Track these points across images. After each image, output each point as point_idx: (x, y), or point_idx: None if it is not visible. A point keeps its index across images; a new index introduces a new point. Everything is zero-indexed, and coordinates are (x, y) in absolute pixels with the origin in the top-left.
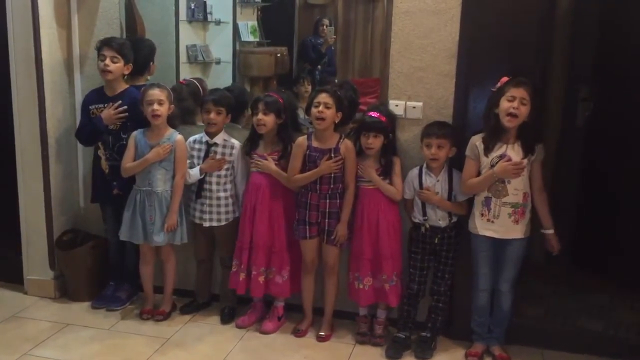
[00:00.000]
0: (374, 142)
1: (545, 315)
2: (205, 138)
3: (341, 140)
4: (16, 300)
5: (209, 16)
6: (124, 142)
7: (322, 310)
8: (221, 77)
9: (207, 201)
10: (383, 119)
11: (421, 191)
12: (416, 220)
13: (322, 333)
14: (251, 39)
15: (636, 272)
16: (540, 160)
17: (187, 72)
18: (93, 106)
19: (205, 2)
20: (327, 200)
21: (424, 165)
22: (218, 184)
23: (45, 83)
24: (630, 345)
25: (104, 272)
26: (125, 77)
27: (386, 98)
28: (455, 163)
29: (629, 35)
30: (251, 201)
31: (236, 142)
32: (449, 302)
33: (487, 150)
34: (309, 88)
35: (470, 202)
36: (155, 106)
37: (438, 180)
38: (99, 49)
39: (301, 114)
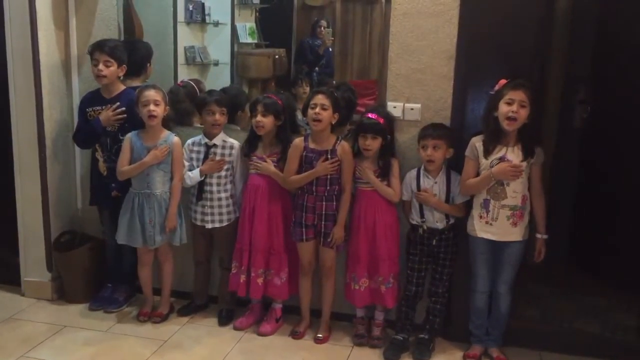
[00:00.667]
0: (372, 144)
1: (542, 317)
2: (204, 140)
3: (338, 142)
4: (13, 302)
5: (207, 18)
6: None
7: (319, 312)
8: (219, 79)
9: (208, 203)
10: (381, 120)
11: (419, 193)
12: (414, 222)
13: (320, 335)
14: (249, 40)
15: (633, 274)
16: (540, 163)
17: (185, 74)
18: (90, 108)
19: (203, 4)
20: (324, 203)
21: (422, 167)
22: (219, 185)
23: (42, 85)
24: (627, 347)
25: (101, 273)
26: (122, 78)
27: (384, 100)
28: (454, 165)
29: (626, 37)
30: (250, 203)
31: (235, 142)
32: (447, 304)
33: (487, 152)
34: (307, 89)
35: (467, 204)
36: (152, 107)
37: (436, 182)
38: (91, 54)
39: (299, 115)
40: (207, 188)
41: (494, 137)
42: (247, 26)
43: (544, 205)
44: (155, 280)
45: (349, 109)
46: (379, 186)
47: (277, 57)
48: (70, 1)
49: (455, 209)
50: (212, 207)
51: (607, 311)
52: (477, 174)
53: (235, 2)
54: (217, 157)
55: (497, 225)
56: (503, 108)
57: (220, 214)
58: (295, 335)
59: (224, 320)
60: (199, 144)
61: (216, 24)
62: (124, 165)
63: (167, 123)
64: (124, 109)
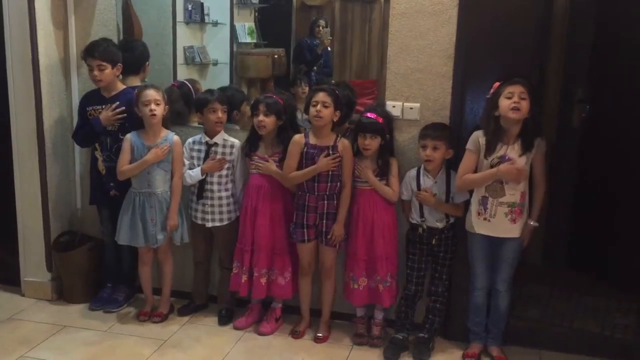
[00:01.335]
0: (371, 143)
1: (542, 316)
2: (205, 139)
3: (338, 139)
4: (13, 302)
5: (206, 17)
6: (122, 144)
7: (319, 311)
8: (218, 79)
9: (209, 202)
10: (380, 120)
11: (419, 192)
12: (414, 222)
13: (320, 334)
14: (248, 40)
15: (633, 274)
16: (542, 153)
17: (184, 74)
18: (90, 107)
19: (202, 4)
20: (325, 202)
21: (422, 166)
22: (219, 184)
23: (42, 84)
24: (627, 346)
25: (101, 273)
26: (121, 77)
27: (383, 99)
28: (454, 165)
29: (624, 36)
30: (252, 203)
31: (236, 141)
32: (446, 303)
33: (488, 152)
34: (306, 89)
35: (467, 204)
36: (153, 106)
37: (436, 182)
38: (84, 59)
39: (299, 115)
40: (208, 187)
41: (495, 137)
42: (246, 26)
43: (543, 195)
44: (155, 280)
45: (348, 107)
46: (377, 186)
47: (276, 56)
48: (69, 1)
49: (454, 208)
50: (212, 205)
51: (606, 311)
52: (476, 169)
53: (234, 2)
54: (218, 156)
55: (495, 222)
56: (504, 103)
57: (221, 212)
58: (295, 334)
59: (223, 320)
60: (200, 143)
61: (215, 23)
62: (124, 166)
63: (165, 122)
64: (123, 108)
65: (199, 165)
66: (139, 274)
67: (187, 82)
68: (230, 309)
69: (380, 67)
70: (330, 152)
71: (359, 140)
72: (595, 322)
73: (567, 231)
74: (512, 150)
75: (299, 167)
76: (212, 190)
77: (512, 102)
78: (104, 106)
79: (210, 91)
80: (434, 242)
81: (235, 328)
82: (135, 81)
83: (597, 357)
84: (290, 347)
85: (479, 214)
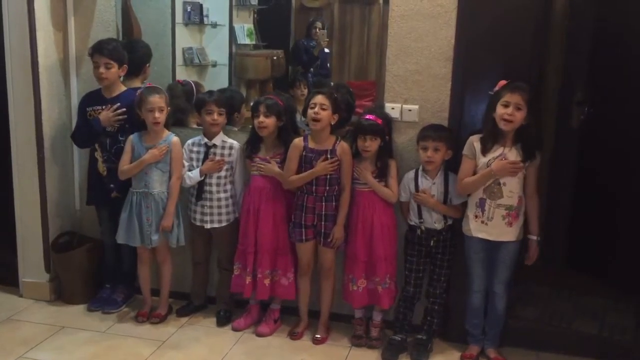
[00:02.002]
0: (370, 145)
1: (540, 317)
2: (204, 140)
3: (338, 142)
4: (11, 303)
5: (205, 19)
6: (122, 145)
7: (318, 313)
8: (217, 80)
9: (208, 203)
10: (379, 121)
11: (417, 194)
12: (412, 223)
13: (318, 336)
14: (247, 41)
15: (631, 275)
16: (535, 166)
17: (183, 75)
18: (90, 108)
19: (201, 5)
20: (323, 203)
21: (420, 167)
22: (218, 185)
23: (41, 85)
24: (625, 347)
25: (99, 274)
26: (122, 78)
27: (382, 101)
28: (452, 166)
29: (624, 38)
30: (254, 204)
31: (235, 143)
32: (444, 304)
33: (484, 150)
34: (305, 91)
35: (465, 205)
36: (157, 114)
37: (434, 183)
38: (91, 56)
39: (298, 117)
40: (207, 188)
41: (492, 137)
42: (245, 27)
43: (538, 206)
44: (153, 281)
45: (347, 111)
46: (376, 187)
47: (275, 58)
48: (69, 2)
49: (453, 210)
50: (211, 207)
51: (604, 312)
52: (474, 173)
53: (234, 4)
54: (217, 158)
55: (492, 225)
56: (499, 110)
57: (220, 214)
58: (294, 335)
59: (222, 321)
60: (199, 144)
61: (214, 25)
62: (124, 165)
63: (167, 121)
64: (124, 109)
65: (198, 167)
66: (137, 273)
67: (191, 82)
68: (229, 310)
69: (379, 68)
70: (329, 155)
71: (358, 141)
72: (594, 323)
73: (566, 231)
74: (509, 153)
75: (299, 170)
76: (210, 192)
77: (505, 112)
78: (104, 107)
79: (210, 92)
80: (432, 244)
81: (234, 329)
82: (135, 82)
83: (595, 359)
84: (288, 348)
85: (476, 216)
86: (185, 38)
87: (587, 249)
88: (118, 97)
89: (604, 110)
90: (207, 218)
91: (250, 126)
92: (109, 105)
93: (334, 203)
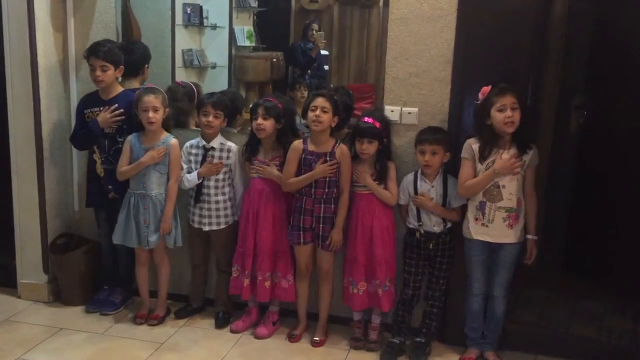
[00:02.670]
0: (368, 148)
1: (538, 321)
2: (202, 142)
3: (337, 145)
4: (9, 304)
5: (205, 21)
6: (120, 146)
7: (316, 315)
8: (217, 82)
9: (206, 205)
10: (377, 124)
11: (416, 197)
12: (411, 226)
13: (317, 338)
14: (247, 43)
15: (629, 279)
16: (534, 166)
17: (182, 77)
18: (88, 110)
19: (201, 7)
20: (322, 205)
21: (419, 170)
22: (216, 187)
23: (40, 86)
24: (623, 351)
25: (97, 276)
26: (120, 79)
27: (381, 103)
28: (451, 168)
29: (622, 42)
30: (253, 206)
31: (233, 146)
32: (443, 307)
33: (483, 157)
34: (305, 93)
35: (463, 209)
36: (150, 114)
37: (433, 186)
38: (87, 59)
39: (297, 119)
40: (205, 191)
41: (490, 144)
42: (244, 29)
43: (536, 206)
44: (152, 282)
45: (346, 113)
46: (376, 189)
47: (274, 60)
48: (69, 3)
49: (452, 213)
50: (209, 209)
51: (602, 315)
52: (475, 175)
53: (233, 6)
54: (215, 160)
55: (492, 227)
56: (497, 116)
57: (218, 216)
58: (292, 338)
59: (220, 323)
60: (197, 147)
61: (214, 27)
62: (123, 166)
63: (167, 122)
64: (122, 110)
65: (196, 169)
66: (135, 274)
67: (190, 83)
68: (227, 312)
69: (378, 71)
70: (328, 158)
71: (357, 144)
72: (592, 327)
73: (564, 235)
74: (507, 154)
75: (298, 173)
76: (208, 194)
77: (505, 116)
78: (101, 108)
79: (210, 94)
80: (431, 247)
81: (232, 331)
82: (134, 83)
83: None
84: (287, 351)
85: (476, 219)
86: (184, 40)
87: (585, 253)
88: (115, 98)
89: (602, 114)
90: (205, 220)
91: (250, 128)
92: (107, 107)
93: (332, 205)
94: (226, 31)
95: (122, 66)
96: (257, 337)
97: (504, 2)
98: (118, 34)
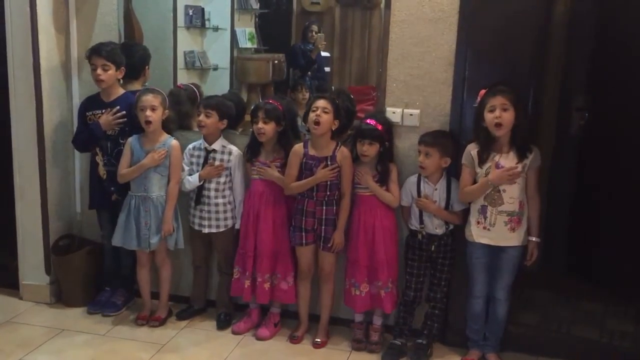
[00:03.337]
0: (369, 150)
1: (539, 322)
2: (204, 144)
3: (337, 148)
4: (11, 306)
5: (206, 22)
6: (122, 148)
7: (318, 316)
8: (218, 84)
9: (206, 207)
10: (379, 127)
11: (419, 199)
12: (413, 228)
13: (318, 339)
14: (249, 45)
15: (630, 281)
16: (536, 167)
17: (184, 78)
18: (90, 112)
19: (203, 9)
20: (323, 207)
21: None
22: (217, 190)
23: (43, 88)
24: (624, 353)
25: (99, 277)
26: (121, 81)
27: (383, 105)
28: (454, 172)
29: (624, 44)
30: (254, 208)
31: (234, 149)
32: (445, 309)
33: (481, 162)
34: (306, 95)
35: (466, 212)
36: (148, 112)
37: (436, 189)
38: (88, 58)
39: (298, 121)
40: (206, 193)
41: (487, 146)
42: (246, 31)
43: (539, 208)
44: (153, 284)
45: (348, 117)
46: (378, 191)
47: (276, 62)
48: (71, 5)
49: (454, 216)
50: (209, 212)
51: (604, 317)
52: (474, 181)
53: (235, 7)
54: (216, 162)
55: (494, 231)
56: (488, 117)
57: (218, 219)
58: (294, 339)
59: (222, 325)
60: (199, 149)
61: (216, 28)
62: (123, 169)
63: (168, 125)
64: (123, 112)
65: (198, 171)
66: (137, 276)
67: (191, 85)
68: (229, 314)
69: (379, 73)
70: (329, 162)
71: (357, 146)
72: (593, 328)
73: (566, 237)
74: (505, 159)
75: (299, 176)
76: (209, 197)
77: (494, 116)
78: (103, 110)
79: (211, 96)
80: (433, 249)
81: (234, 332)
82: (135, 85)
83: None
84: (288, 352)
85: (478, 222)
86: (186, 41)
87: (587, 255)
88: (117, 100)
89: (603, 116)
90: (206, 223)
91: (251, 130)
92: (109, 109)
93: (334, 207)
94: (228, 33)
95: (123, 67)
96: (259, 338)
97: (506, 3)
98: (120, 36)
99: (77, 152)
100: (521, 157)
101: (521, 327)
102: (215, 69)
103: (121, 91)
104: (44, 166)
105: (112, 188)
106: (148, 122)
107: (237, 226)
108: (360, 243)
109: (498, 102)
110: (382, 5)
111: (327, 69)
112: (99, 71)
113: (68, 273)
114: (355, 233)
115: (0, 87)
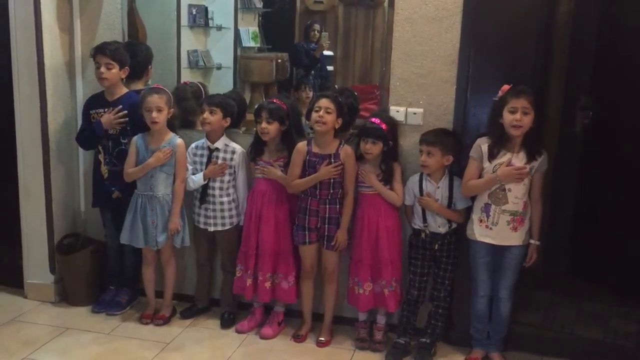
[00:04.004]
0: (372, 148)
1: (543, 322)
2: (207, 143)
3: (341, 146)
4: (16, 304)
5: (210, 22)
6: (124, 147)
7: (321, 315)
8: (222, 83)
9: (211, 206)
10: (383, 126)
11: (421, 198)
12: (416, 227)
13: (322, 338)
14: (252, 44)
15: (634, 280)
16: (542, 171)
17: (188, 77)
18: (93, 111)
19: (206, 8)
20: (327, 206)
21: None
22: (221, 189)
23: (47, 87)
24: (628, 353)
25: (104, 276)
26: (124, 81)
27: (387, 104)
28: (456, 170)
29: (628, 43)
30: (256, 207)
31: (237, 147)
32: (448, 308)
33: (491, 156)
34: (310, 94)
35: (468, 210)
36: (154, 114)
37: (438, 187)
38: (93, 56)
39: (303, 120)
40: (210, 192)
41: (500, 143)
42: (249, 30)
43: (541, 212)
44: (158, 283)
45: (351, 115)
46: (381, 190)
47: (279, 61)
48: (75, 5)
49: (457, 214)
50: (214, 210)
51: (607, 317)
52: (480, 176)
53: (239, 7)
54: (220, 161)
55: (496, 230)
56: (507, 117)
57: (223, 217)
58: (297, 338)
59: (226, 323)
60: (202, 148)
61: (219, 28)
62: (129, 168)
63: (173, 122)
64: (125, 112)
65: (201, 170)
66: (142, 274)
67: (197, 83)
68: (233, 312)
69: (383, 72)
70: (332, 160)
71: (361, 144)
72: (597, 328)
73: (569, 237)
74: (516, 158)
75: (302, 174)
76: (213, 195)
77: (514, 118)
78: (106, 109)
79: (214, 94)
80: (436, 247)
81: (238, 331)
82: (138, 85)
83: None
84: (292, 351)
85: (480, 221)
86: (190, 41)
87: (590, 255)
88: (120, 99)
89: (607, 115)
90: (211, 221)
91: (255, 129)
92: (111, 109)
93: (337, 206)
94: (231, 32)
95: (127, 67)
96: (263, 337)
97: (510, 2)
98: (124, 35)
99: (81, 151)
100: (530, 158)
101: (525, 327)
102: (219, 68)
103: (124, 90)
104: (49, 165)
105: (113, 187)
106: (154, 123)
107: (241, 223)
108: (363, 242)
109: (520, 105)
110: (386, 4)
111: (330, 68)
112: (103, 69)
113: (72, 272)
114: (359, 232)
115: (4, 87)
